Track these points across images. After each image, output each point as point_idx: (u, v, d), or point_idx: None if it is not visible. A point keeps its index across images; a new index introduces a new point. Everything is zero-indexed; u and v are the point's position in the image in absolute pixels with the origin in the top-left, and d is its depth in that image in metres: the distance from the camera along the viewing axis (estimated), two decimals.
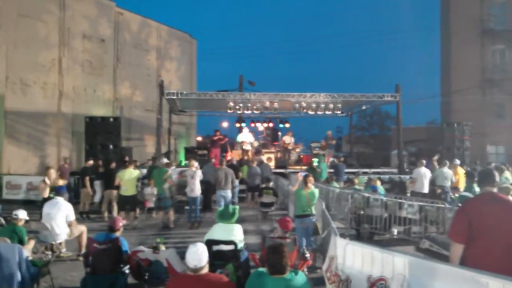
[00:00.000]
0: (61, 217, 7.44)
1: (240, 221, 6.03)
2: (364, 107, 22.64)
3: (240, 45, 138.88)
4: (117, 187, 11.49)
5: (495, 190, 3.77)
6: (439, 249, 5.72)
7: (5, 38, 18.17)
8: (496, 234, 3.49)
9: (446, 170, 12.82)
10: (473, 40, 27.68)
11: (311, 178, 7.96)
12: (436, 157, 15.23)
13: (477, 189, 7.94)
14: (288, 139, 20.47)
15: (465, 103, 26.18)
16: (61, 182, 9.45)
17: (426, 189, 12.34)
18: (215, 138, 18.57)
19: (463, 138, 19.23)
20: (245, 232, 5.89)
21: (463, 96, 26.39)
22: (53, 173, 9.83)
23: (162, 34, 28.11)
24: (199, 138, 33.59)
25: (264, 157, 18.22)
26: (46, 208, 7.57)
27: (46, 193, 9.28)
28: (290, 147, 20.19)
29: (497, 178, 3.86)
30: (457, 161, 14.13)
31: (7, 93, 18.32)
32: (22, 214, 6.76)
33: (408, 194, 12.76)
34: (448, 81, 29.62)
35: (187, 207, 11.70)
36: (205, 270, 3.61)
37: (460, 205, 7.75)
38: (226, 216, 5.86)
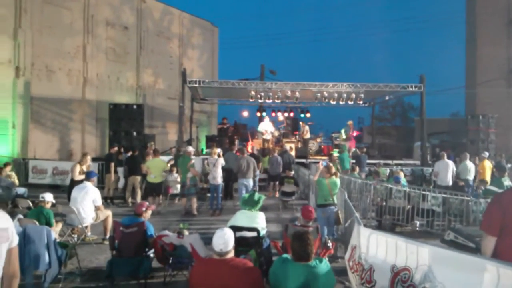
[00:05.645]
0: (87, 202, 7.63)
1: (261, 209, 6.07)
2: (387, 98, 22.35)
3: (262, 34, 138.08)
4: (142, 174, 11.64)
5: None
6: (465, 241, 5.63)
7: (30, 24, 18.44)
8: None
9: (468, 163, 12.59)
10: (500, 30, 27.01)
11: (332, 167, 7.94)
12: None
13: (506, 183, 7.82)
14: (301, 129, 20.42)
15: (490, 95, 25.63)
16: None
17: (449, 182, 12.12)
18: (223, 127, 18.72)
19: (488, 130, 18.85)
20: (266, 220, 5.91)
21: (488, 88, 25.81)
22: (89, 159, 10.06)
23: (184, 22, 28.21)
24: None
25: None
26: (74, 192, 7.78)
27: (78, 177, 9.42)
28: (304, 137, 20.08)
29: None
30: (486, 154, 13.79)
31: (33, 79, 18.66)
32: (48, 197, 7.00)
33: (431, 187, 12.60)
34: (473, 73, 28.99)
35: (208, 194, 11.81)
36: (231, 254, 3.64)
37: (486, 198, 7.67)
38: (250, 203, 5.89)
